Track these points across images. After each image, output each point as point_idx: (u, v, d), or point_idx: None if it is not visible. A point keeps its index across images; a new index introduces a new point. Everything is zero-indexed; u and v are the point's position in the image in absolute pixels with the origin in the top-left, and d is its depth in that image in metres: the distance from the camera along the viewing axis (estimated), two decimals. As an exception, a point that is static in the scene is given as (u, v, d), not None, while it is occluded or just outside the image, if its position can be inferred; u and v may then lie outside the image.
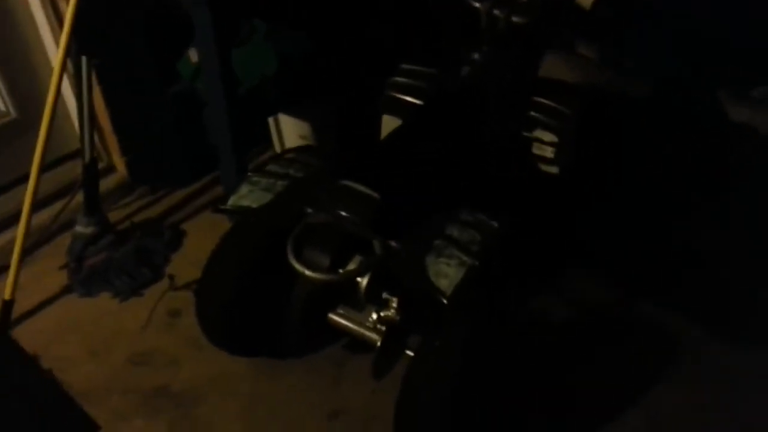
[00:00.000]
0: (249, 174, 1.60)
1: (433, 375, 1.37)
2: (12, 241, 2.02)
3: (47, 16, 2.01)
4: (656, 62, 2.15)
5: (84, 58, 1.87)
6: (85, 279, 1.97)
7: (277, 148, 2.44)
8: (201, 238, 2.14)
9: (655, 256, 2.01)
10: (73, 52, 1.82)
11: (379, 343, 1.50)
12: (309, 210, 1.45)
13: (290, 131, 2.37)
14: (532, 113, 1.74)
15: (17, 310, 1.88)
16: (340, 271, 1.42)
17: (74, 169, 2.20)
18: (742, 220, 2.06)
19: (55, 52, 2.07)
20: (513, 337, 1.61)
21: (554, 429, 1.63)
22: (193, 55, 2.12)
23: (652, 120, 2.10)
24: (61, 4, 1.98)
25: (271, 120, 2.38)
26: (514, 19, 1.66)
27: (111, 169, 2.29)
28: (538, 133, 1.73)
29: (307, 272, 1.37)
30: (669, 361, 1.76)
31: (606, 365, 1.76)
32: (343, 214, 1.40)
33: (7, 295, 1.85)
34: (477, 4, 1.70)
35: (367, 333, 1.54)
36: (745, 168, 2.05)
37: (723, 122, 2.08)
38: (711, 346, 1.78)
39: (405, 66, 1.91)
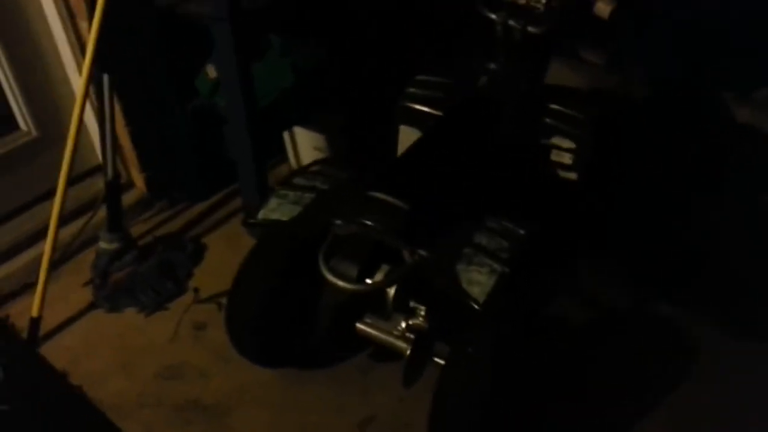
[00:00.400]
0: (276, 187, 1.63)
1: (468, 381, 1.39)
2: (34, 259, 2.05)
3: (67, 35, 2.03)
4: (658, 64, 2.19)
5: (105, 76, 1.90)
6: (110, 294, 1.99)
7: (293, 161, 2.47)
8: (222, 250, 2.17)
9: (663, 256, 2.05)
10: (94, 70, 1.85)
11: (408, 352, 1.52)
12: (338, 222, 1.48)
13: (305, 144, 2.40)
14: (550, 120, 1.77)
15: (44, 327, 1.90)
16: (369, 281, 1.45)
17: (94, 186, 2.23)
18: (742, 220, 2.09)
19: (74, 70, 2.10)
20: (539, 342, 1.64)
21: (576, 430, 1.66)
22: (211, 71, 2.15)
23: (657, 122, 2.13)
24: (81, 23, 2.01)
25: (285, 133, 2.41)
26: (530, 29, 1.69)
27: (130, 184, 2.31)
28: (556, 140, 1.76)
29: (340, 283, 1.40)
30: (683, 359, 1.79)
31: (621, 364, 1.79)
32: (372, 224, 1.43)
33: (34, 312, 1.87)
34: (492, 16, 1.73)
35: (396, 342, 1.56)
36: (745, 168, 2.08)
37: (726, 124, 2.11)
38: (721, 345, 1.81)
39: (420, 77, 1.94)
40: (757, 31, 1.94)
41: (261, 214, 1.57)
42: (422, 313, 1.51)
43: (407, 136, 1.89)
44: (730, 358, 1.79)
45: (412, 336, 1.53)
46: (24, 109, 2.09)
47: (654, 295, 1.95)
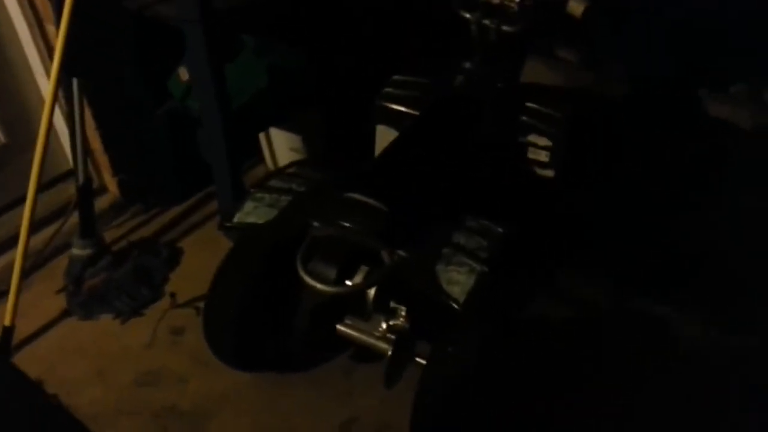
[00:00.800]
0: (252, 190, 1.62)
1: (450, 381, 1.39)
2: (6, 267, 2.01)
3: (34, 39, 1.99)
4: (637, 61, 2.21)
5: (74, 80, 1.87)
6: (84, 301, 1.95)
7: (269, 162, 2.45)
8: (198, 254, 2.14)
9: (655, 257, 2.05)
10: (63, 74, 1.81)
11: (389, 353, 1.52)
12: (315, 223, 1.47)
13: (281, 144, 2.38)
14: (526, 119, 1.78)
15: (17, 336, 1.86)
16: (349, 282, 1.45)
17: (65, 191, 2.19)
18: (742, 219, 2.10)
19: (42, 74, 2.06)
20: (520, 341, 1.65)
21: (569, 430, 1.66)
22: (183, 73, 2.12)
23: (639, 120, 2.15)
24: (48, 27, 1.97)
25: (262, 134, 2.39)
26: (504, 28, 1.69)
27: (103, 189, 2.27)
28: (533, 138, 1.77)
29: (319, 285, 1.39)
30: (679, 360, 1.79)
31: (616, 365, 1.79)
32: (351, 226, 1.43)
33: (7, 321, 1.83)
34: (467, 15, 1.73)
35: (377, 343, 1.56)
36: (744, 167, 2.09)
37: (706, 120, 2.14)
38: (719, 345, 1.82)
39: (397, 77, 1.94)
40: (751, 31, 1.95)
41: (237, 218, 1.55)
42: (403, 313, 1.51)
43: (384, 136, 1.88)
44: (727, 357, 1.78)
45: (392, 336, 1.52)
46: (-8, 115, 2.05)
47: (650, 295, 1.94)
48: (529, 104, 1.80)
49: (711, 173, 2.13)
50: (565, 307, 1.88)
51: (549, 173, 1.76)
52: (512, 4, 1.69)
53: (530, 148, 1.76)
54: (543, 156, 1.75)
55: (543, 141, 1.75)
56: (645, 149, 2.18)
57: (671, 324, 1.88)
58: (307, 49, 2.19)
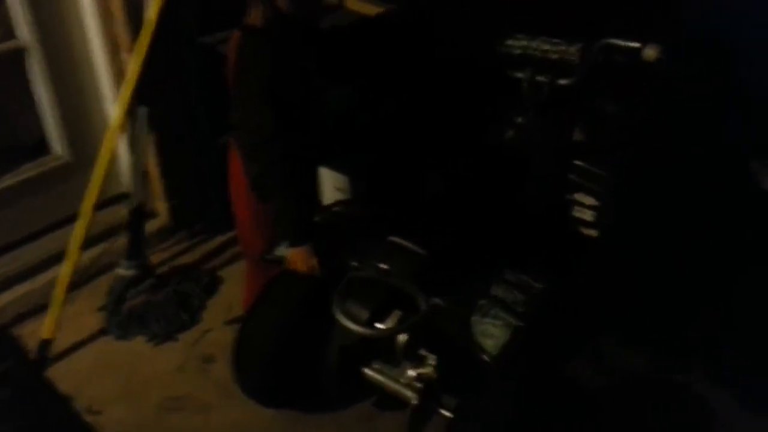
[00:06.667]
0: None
1: (475, 436, 1.35)
2: (53, 281, 2.06)
3: (109, 66, 2.09)
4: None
5: (143, 108, 1.95)
6: (122, 321, 1.99)
7: (315, 200, 2.48)
8: (236, 284, 2.16)
9: (690, 324, 1.99)
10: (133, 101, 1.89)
11: (414, 401, 1.49)
12: (354, 264, 1.47)
13: (327, 183, 2.41)
14: (573, 176, 1.76)
15: (54, 350, 1.90)
16: (381, 326, 1.44)
17: (117, 213, 2.26)
18: None
19: (111, 100, 2.15)
20: (551, 401, 1.59)
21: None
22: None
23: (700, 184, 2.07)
24: (124, 55, 2.07)
25: (309, 172, 2.42)
26: (561, 81, 1.69)
27: (153, 213, 2.34)
28: (578, 197, 1.74)
29: (351, 326, 1.38)
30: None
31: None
32: (389, 269, 1.42)
33: (45, 334, 1.88)
34: (519, 74, 1.74)
35: (402, 390, 1.53)
36: None
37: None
38: (740, 416, 1.74)
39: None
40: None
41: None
42: (432, 362, 1.48)
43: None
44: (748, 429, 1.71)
45: (419, 385, 1.50)
46: (59, 135, 2.14)
47: (691, 368, 1.88)
48: (577, 162, 1.77)
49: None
50: (600, 370, 1.82)
51: (593, 233, 1.72)
52: (573, 58, 1.69)
53: (576, 207, 1.74)
54: (588, 215, 1.72)
55: (589, 200, 1.72)
56: (706, 216, 2.10)
57: (710, 400, 1.80)
58: (360, 91, 2.24)
